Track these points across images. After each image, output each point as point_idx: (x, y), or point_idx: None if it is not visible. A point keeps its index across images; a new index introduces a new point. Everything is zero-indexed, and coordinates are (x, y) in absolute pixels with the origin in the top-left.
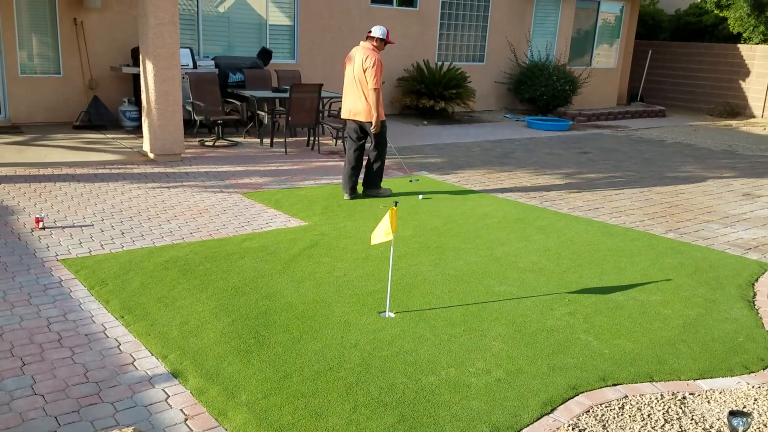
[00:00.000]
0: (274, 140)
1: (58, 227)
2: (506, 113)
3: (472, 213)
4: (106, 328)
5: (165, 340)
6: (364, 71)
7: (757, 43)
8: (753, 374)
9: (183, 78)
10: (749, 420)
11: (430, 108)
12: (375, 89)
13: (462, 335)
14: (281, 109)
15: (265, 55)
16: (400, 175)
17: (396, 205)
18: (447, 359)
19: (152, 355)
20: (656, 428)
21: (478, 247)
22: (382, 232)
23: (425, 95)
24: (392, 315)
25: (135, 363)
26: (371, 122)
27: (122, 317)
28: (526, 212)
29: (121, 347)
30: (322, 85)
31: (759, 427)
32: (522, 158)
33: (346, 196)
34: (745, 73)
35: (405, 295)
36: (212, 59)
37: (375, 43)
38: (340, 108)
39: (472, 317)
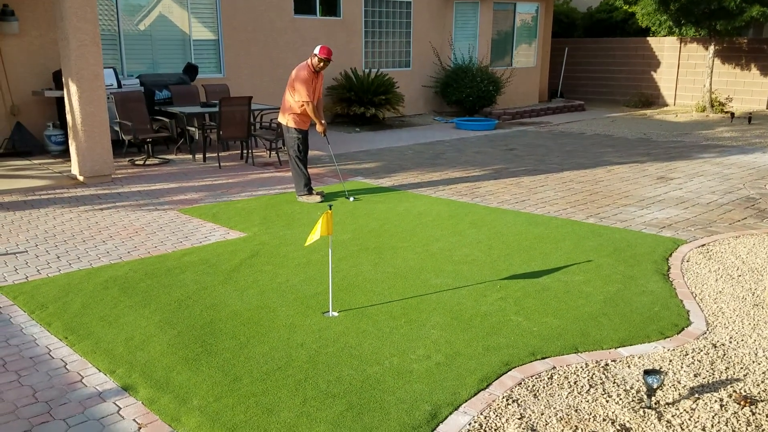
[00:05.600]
0: (207, 155)
1: None
2: (435, 116)
3: (407, 213)
4: (50, 350)
5: (111, 356)
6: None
7: (664, 36)
8: (668, 339)
9: (108, 98)
10: (662, 377)
11: (362, 115)
12: (301, 102)
13: (403, 327)
14: (212, 123)
15: (191, 70)
16: (334, 182)
17: (330, 209)
18: (390, 350)
19: (100, 371)
20: (582, 393)
21: (414, 245)
22: (315, 233)
23: (355, 102)
24: (336, 314)
25: (83, 380)
26: (286, 126)
27: (66, 338)
28: (458, 209)
29: (67, 366)
30: (251, 97)
31: (674, 383)
32: (452, 158)
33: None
34: (656, 64)
35: (347, 295)
36: (137, 78)
37: (311, 60)
38: (272, 119)
39: (412, 309)
